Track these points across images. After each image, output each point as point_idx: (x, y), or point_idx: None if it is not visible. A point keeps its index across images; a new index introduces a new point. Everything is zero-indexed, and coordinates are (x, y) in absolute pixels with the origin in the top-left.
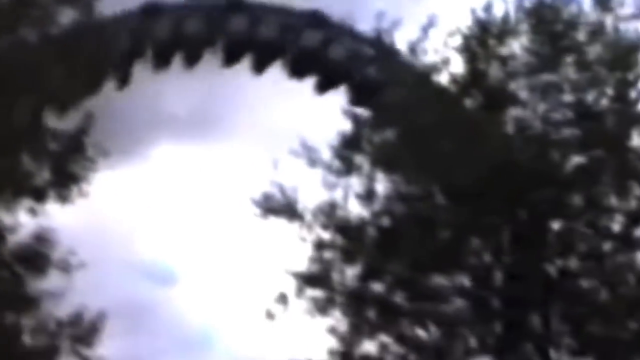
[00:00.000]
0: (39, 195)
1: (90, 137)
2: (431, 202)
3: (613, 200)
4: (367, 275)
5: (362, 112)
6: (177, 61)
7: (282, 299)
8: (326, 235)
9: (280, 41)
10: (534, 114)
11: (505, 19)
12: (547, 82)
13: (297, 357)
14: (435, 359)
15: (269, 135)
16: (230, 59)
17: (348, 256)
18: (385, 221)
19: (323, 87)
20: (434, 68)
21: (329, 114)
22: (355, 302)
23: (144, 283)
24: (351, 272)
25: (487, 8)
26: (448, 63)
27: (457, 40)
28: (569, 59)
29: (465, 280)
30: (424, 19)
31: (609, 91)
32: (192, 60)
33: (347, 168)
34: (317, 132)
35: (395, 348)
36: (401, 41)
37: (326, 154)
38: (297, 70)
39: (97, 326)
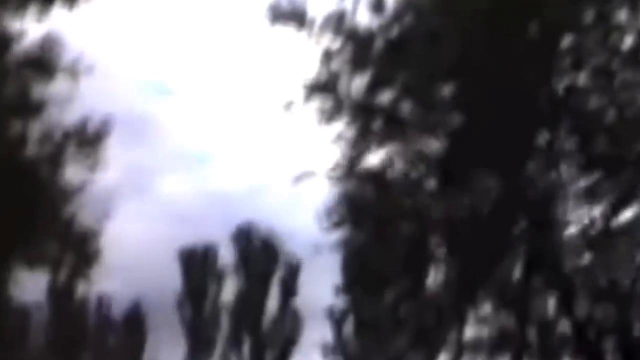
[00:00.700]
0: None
1: None
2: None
3: (624, 16)
4: (375, 85)
5: None
6: None
7: (289, 105)
8: (335, 45)
9: None
10: None
11: None
12: None
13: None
14: (439, 171)
15: None
16: None
17: (356, 65)
18: (395, 32)
19: None
20: None
21: None
22: (362, 112)
23: (148, 95)
24: (359, 82)
25: None
26: None
27: None
28: None
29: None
30: None
31: None
32: None
33: None
34: None
35: (400, 161)
36: None
37: None
38: None
39: (103, 133)
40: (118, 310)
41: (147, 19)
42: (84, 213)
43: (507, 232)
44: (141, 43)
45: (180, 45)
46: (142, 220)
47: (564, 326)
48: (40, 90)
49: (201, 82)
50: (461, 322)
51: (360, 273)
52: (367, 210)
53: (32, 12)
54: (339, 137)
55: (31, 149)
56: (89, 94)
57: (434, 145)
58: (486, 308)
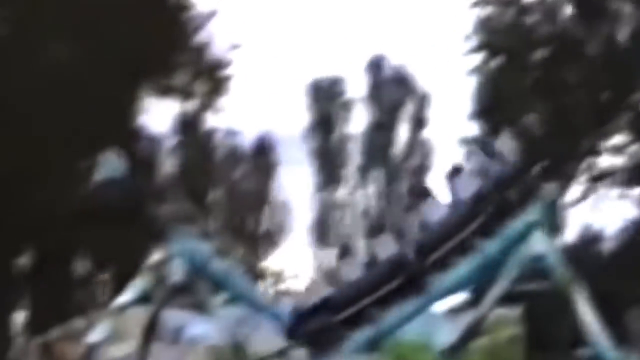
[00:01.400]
0: None
1: None
2: None
3: None
4: None
5: None
6: None
7: None
8: None
9: None
10: None
11: None
12: None
13: None
14: None
15: None
16: None
17: None
18: None
19: None
20: None
21: None
22: None
23: None
24: None
25: None
26: None
27: None
28: None
29: None
30: None
31: None
32: None
33: None
34: None
35: None
36: None
37: None
38: None
39: None
40: (246, 141)
41: None
42: (215, 43)
43: None
44: None
45: None
46: (272, 50)
47: None
48: None
49: None
50: (594, 151)
51: (495, 99)
52: (505, 36)
53: None
54: None
55: None
56: None
57: None
58: (619, 138)
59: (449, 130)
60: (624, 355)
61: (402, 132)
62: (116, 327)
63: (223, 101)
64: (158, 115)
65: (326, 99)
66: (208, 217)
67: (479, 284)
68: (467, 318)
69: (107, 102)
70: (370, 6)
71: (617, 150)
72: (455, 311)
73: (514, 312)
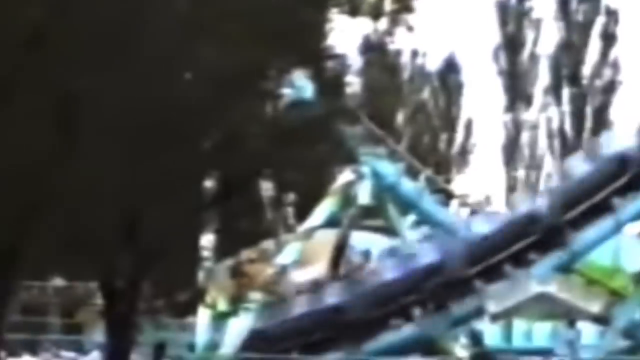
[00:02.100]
0: None
1: None
2: None
3: None
4: None
5: None
6: None
7: None
8: None
9: None
10: None
11: None
12: None
13: None
14: None
15: None
16: None
17: None
18: None
19: None
20: None
21: None
22: None
23: None
24: None
25: None
26: None
27: None
28: None
29: None
30: None
31: None
32: None
33: None
34: None
35: None
36: None
37: None
38: None
39: None
40: (433, 62)
41: None
42: None
43: None
44: None
45: None
46: None
47: None
48: None
49: None
50: None
51: None
52: None
53: None
54: None
55: None
56: None
57: None
58: None
59: None
60: None
61: (592, 51)
62: (305, 249)
63: (410, 21)
64: (346, 35)
65: (514, 18)
66: (396, 138)
67: None
68: None
69: (296, 22)
70: None
71: None
72: None
73: None
